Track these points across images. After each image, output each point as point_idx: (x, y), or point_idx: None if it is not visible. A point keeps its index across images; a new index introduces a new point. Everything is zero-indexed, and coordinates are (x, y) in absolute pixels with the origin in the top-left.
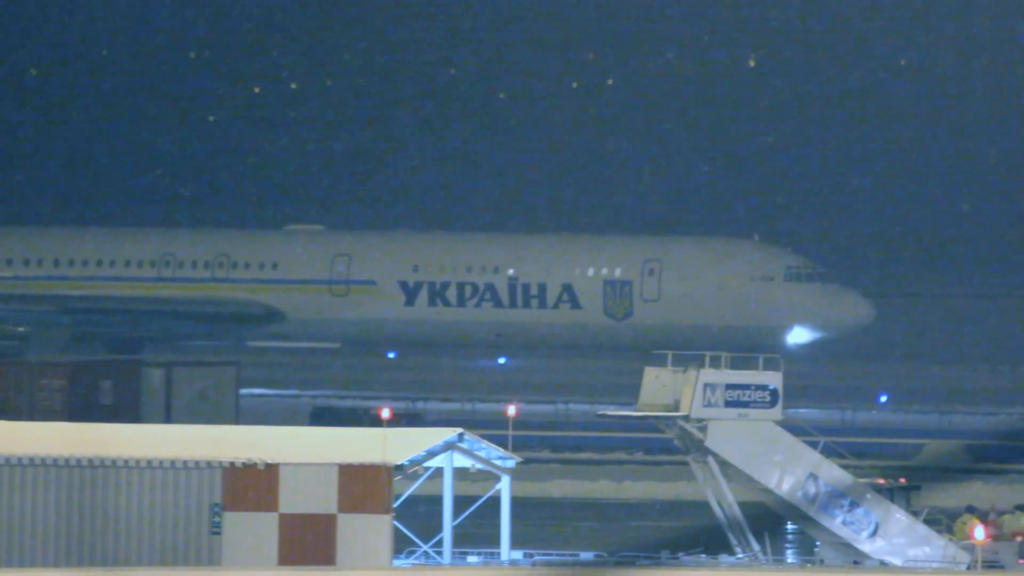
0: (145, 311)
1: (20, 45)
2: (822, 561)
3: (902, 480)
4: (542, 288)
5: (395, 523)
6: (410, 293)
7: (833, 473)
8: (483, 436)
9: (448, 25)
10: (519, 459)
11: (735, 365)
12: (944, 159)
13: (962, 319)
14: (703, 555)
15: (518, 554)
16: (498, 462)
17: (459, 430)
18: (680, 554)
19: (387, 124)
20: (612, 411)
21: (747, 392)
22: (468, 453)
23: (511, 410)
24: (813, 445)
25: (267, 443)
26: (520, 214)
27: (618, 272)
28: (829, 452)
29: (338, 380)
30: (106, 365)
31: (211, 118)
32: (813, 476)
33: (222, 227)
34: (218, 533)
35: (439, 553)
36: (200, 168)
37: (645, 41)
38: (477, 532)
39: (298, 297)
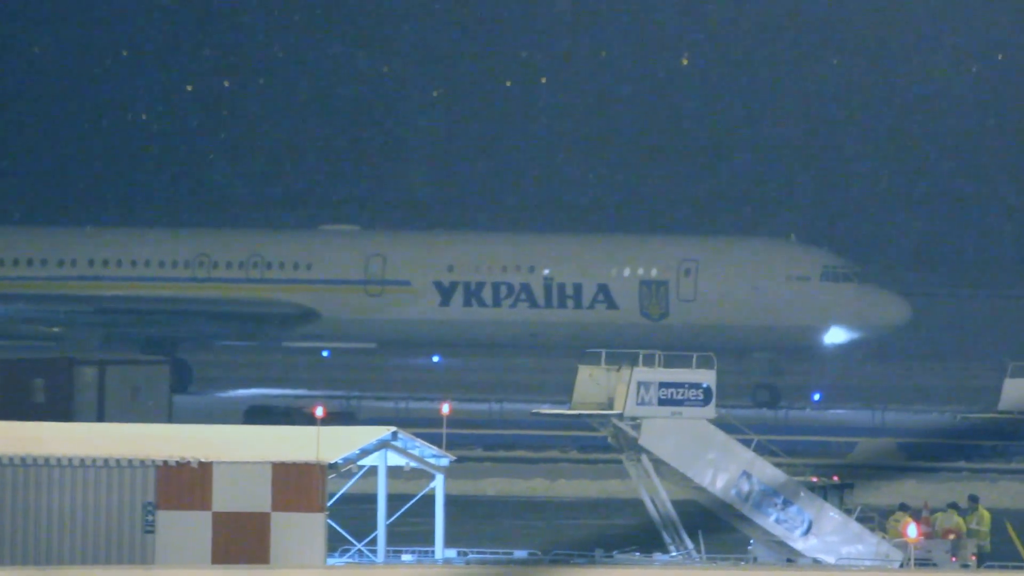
0: (179, 312)
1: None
2: (755, 559)
3: (835, 478)
4: (578, 288)
5: (329, 521)
6: (445, 293)
7: (766, 471)
8: (417, 435)
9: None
10: (453, 457)
11: (669, 363)
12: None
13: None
14: (637, 553)
15: (452, 552)
16: (432, 460)
17: (393, 428)
18: (614, 552)
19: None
20: (546, 410)
21: (681, 390)
22: (402, 451)
23: (445, 409)
24: (747, 443)
25: (201, 441)
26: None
27: (654, 272)
28: (762, 450)
29: (273, 378)
30: (38, 364)
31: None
32: (747, 474)
33: (256, 227)
34: (151, 532)
35: (373, 552)
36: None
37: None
38: (411, 530)
39: (333, 297)
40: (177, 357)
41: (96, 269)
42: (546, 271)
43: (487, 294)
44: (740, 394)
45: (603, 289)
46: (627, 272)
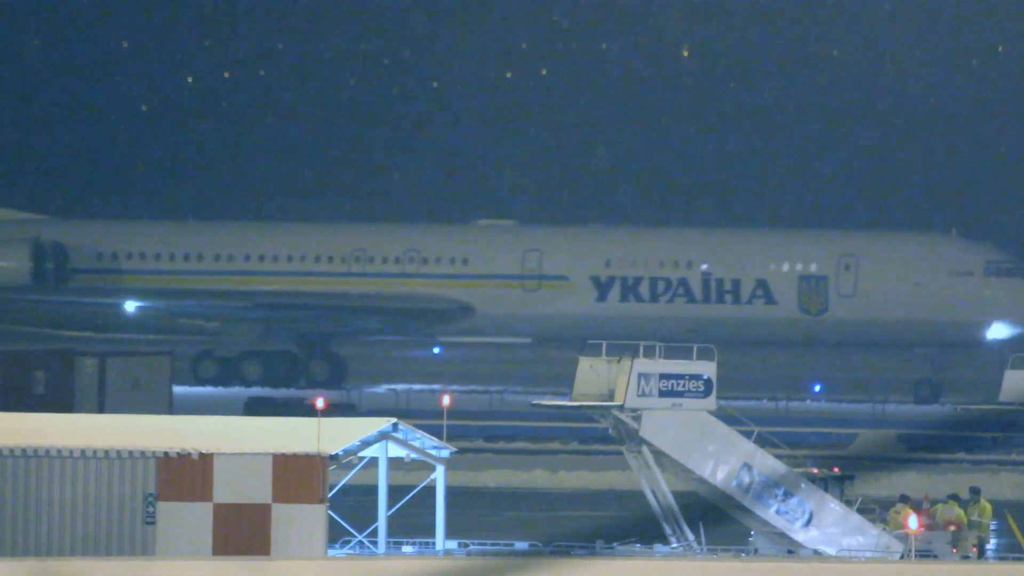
0: (335, 306)
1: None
2: (756, 550)
3: (836, 469)
4: (736, 283)
5: (330, 513)
6: (602, 288)
7: (767, 463)
8: (418, 426)
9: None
10: (454, 449)
11: (670, 355)
12: None
13: None
14: (637, 545)
15: (453, 544)
16: (433, 452)
17: (393, 420)
18: (614, 544)
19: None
20: (547, 401)
21: (681, 382)
22: (402, 443)
23: (446, 400)
24: (747, 435)
25: (201, 433)
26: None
27: (813, 267)
28: (763, 442)
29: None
30: (39, 356)
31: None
32: (747, 466)
33: (412, 222)
34: (152, 523)
35: (374, 543)
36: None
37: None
38: (412, 522)
39: (489, 292)
40: (331, 351)
41: (253, 264)
42: (704, 266)
43: (644, 289)
44: (901, 390)
45: (762, 284)
46: (786, 267)
